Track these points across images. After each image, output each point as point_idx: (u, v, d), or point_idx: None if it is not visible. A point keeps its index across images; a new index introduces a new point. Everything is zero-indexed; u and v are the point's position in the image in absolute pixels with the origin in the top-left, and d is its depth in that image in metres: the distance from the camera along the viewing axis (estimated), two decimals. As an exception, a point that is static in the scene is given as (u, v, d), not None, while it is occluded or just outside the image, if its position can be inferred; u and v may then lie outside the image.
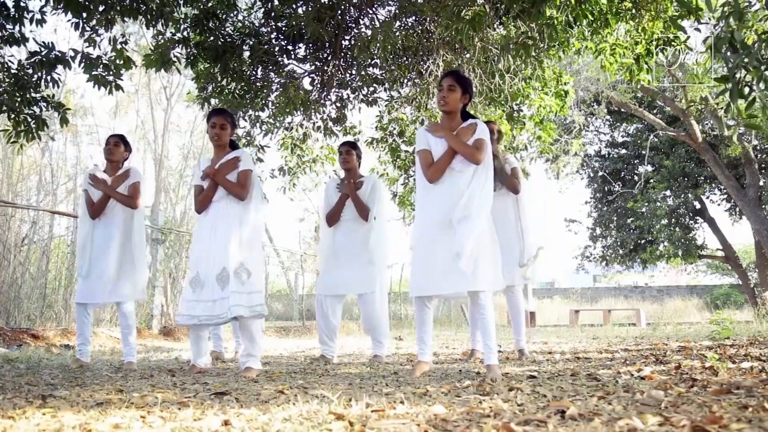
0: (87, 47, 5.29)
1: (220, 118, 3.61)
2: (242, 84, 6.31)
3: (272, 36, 6.22)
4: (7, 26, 5.01)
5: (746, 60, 2.45)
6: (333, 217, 4.41)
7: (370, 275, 4.32)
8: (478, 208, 3.05)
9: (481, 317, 3.05)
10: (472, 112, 4.30)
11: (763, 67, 2.47)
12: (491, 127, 4.27)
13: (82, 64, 5.28)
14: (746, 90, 2.66)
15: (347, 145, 4.55)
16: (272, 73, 6.43)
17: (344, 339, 7.68)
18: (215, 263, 3.43)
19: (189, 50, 5.92)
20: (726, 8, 2.68)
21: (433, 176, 3.19)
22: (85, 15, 5.02)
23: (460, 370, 3.36)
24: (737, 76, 2.60)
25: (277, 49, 6.25)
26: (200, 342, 3.58)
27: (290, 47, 6.33)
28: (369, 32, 5.96)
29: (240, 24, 6.31)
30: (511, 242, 4.18)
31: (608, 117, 17.64)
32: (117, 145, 4.22)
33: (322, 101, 6.70)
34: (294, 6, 5.95)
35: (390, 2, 6.04)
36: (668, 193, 16.80)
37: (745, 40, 2.62)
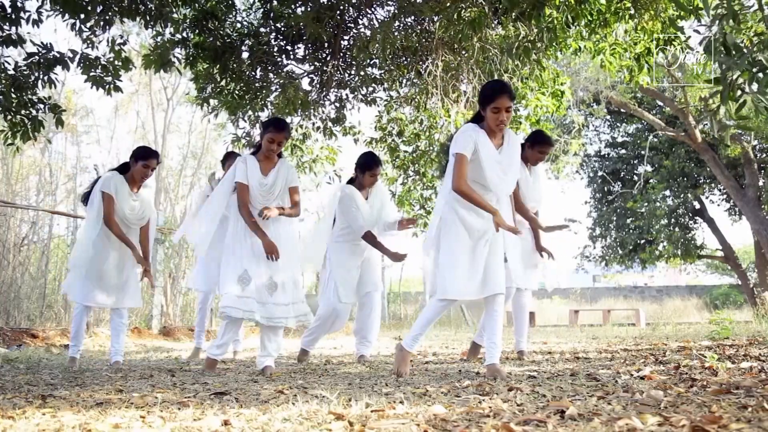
0: (85, 48, 5.28)
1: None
2: (241, 84, 6.31)
3: (271, 36, 6.22)
4: (4, 27, 4.99)
5: (738, 62, 2.43)
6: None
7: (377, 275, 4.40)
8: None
9: (497, 317, 3.13)
10: (472, 112, 4.27)
11: (755, 69, 2.46)
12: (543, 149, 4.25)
13: (80, 65, 5.27)
14: (738, 93, 2.65)
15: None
16: (271, 74, 6.42)
17: (342, 339, 7.68)
18: (267, 271, 3.53)
19: (188, 51, 5.92)
20: (720, 10, 2.67)
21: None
22: (82, 16, 5.01)
23: (460, 370, 3.36)
24: (729, 78, 2.59)
25: (276, 49, 6.25)
26: (234, 336, 3.81)
27: (289, 47, 6.33)
28: (368, 32, 5.95)
29: (239, 24, 6.30)
30: (527, 246, 4.14)
31: (608, 117, 17.62)
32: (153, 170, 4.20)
33: (321, 101, 6.70)
34: (293, 6, 5.94)
35: (389, 2, 6.03)
36: (668, 193, 16.79)
37: (738, 43, 2.60)
